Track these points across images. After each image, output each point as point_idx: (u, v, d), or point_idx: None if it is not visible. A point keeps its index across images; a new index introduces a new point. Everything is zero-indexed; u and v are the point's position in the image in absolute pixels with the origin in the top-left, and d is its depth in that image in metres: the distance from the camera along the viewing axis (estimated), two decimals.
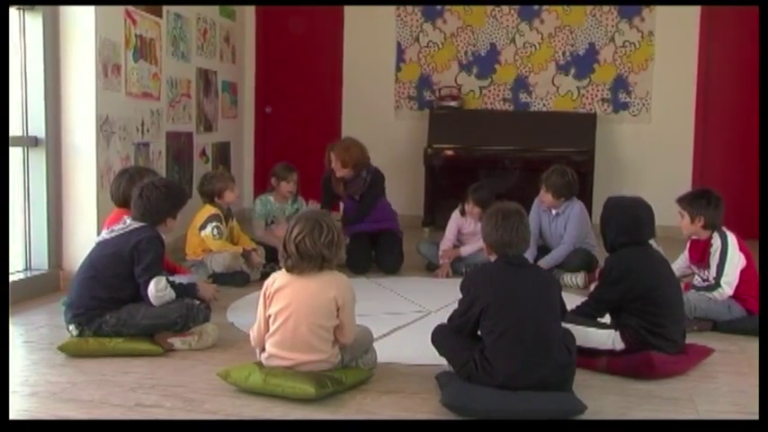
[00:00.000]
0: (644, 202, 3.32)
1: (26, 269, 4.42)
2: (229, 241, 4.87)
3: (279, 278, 2.90)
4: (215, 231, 4.68)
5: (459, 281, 4.72)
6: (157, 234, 3.44)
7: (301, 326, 2.82)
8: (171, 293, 3.36)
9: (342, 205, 5.37)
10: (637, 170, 6.96)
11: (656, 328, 3.08)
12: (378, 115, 7.36)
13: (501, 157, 6.72)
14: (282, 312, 2.84)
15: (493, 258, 2.95)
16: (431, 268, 5.21)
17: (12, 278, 4.25)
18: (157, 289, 3.31)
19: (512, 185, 6.49)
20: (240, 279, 4.68)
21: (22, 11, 4.27)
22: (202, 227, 4.70)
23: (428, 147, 6.85)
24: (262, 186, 7.23)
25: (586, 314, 3.22)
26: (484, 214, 3.01)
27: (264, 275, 4.78)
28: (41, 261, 4.43)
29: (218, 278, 4.58)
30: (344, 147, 5.16)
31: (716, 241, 3.76)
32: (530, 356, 2.66)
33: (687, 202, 3.86)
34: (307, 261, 2.84)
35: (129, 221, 3.44)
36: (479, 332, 2.83)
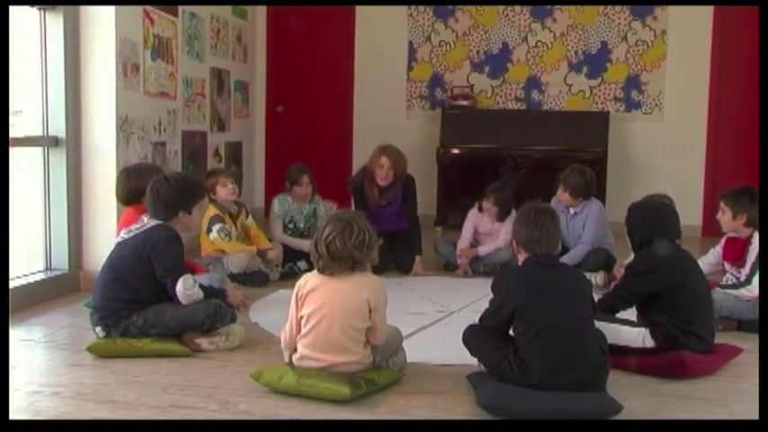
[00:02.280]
0: (668, 204, 3.33)
1: (46, 269, 4.41)
2: (244, 239, 4.81)
3: (311, 279, 2.89)
4: (222, 234, 4.59)
5: (477, 280, 4.83)
6: (174, 233, 3.39)
7: (334, 327, 2.81)
8: (199, 292, 3.35)
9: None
10: (649, 169, 6.96)
11: (685, 325, 3.08)
12: (389, 115, 7.35)
13: (514, 156, 6.71)
14: (315, 314, 2.83)
15: (522, 257, 2.95)
16: (448, 268, 5.21)
17: (32, 279, 4.27)
18: (185, 287, 3.30)
19: (525, 185, 6.48)
20: (259, 279, 4.67)
21: (43, 11, 4.26)
22: (208, 230, 4.60)
23: (440, 146, 6.85)
24: (272, 185, 7.23)
25: (608, 306, 3.21)
26: (516, 214, 2.99)
27: (283, 275, 4.83)
28: (62, 261, 4.43)
29: (237, 279, 4.54)
30: (397, 155, 5.07)
31: (755, 240, 3.75)
32: (564, 356, 2.66)
33: (731, 198, 3.85)
34: (337, 262, 2.83)
35: (146, 220, 3.41)
36: (512, 332, 2.83)
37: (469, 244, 5.18)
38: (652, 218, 3.24)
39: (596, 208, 4.95)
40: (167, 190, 3.38)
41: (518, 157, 6.71)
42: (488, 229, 5.21)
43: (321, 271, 2.88)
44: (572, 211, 4.98)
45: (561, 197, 4.96)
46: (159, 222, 3.39)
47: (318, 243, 2.86)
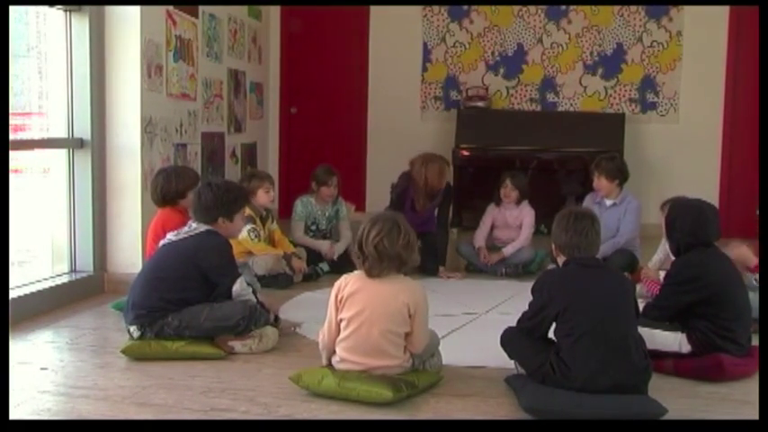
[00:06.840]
0: (709, 203, 3.30)
1: (71, 271, 4.40)
2: (268, 243, 4.82)
3: (351, 282, 2.87)
4: (252, 234, 4.61)
5: (501, 282, 4.84)
6: (223, 239, 3.45)
7: (374, 331, 2.80)
8: (252, 296, 3.42)
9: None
10: (665, 170, 6.94)
11: (725, 332, 3.06)
12: (404, 116, 7.32)
13: (529, 157, 6.70)
14: (356, 318, 2.82)
15: (561, 260, 2.94)
16: (470, 269, 5.21)
17: (57, 281, 4.26)
18: (242, 287, 3.40)
19: (541, 186, 6.46)
20: (283, 281, 4.66)
21: (68, 12, 4.25)
22: None
23: (455, 147, 6.84)
24: (286, 187, 7.22)
25: (655, 318, 3.18)
26: (556, 217, 2.96)
27: (306, 277, 4.83)
28: (87, 263, 4.41)
29: (261, 280, 4.52)
30: (442, 163, 5.17)
31: None
32: (609, 359, 2.65)
33: None
34: (386, 262, 2.81)
35: (193, 225, 3.45)
36: (553, 335, 2.82)
37: (485, 238, 5.25)
38: (694, 220, 3.20)
39: (636, 203, 4.96)
40: (207, 195, 3.43)
41: (534, 158, 6.70)
42: (505, 221, 5.26)
43: (368, 272, 2.84)
44: (608, 202, 4.96)
45: (598, 185, 4.98)
46: (207, 228, 3.43)
47: (364, 243, 2.82)
